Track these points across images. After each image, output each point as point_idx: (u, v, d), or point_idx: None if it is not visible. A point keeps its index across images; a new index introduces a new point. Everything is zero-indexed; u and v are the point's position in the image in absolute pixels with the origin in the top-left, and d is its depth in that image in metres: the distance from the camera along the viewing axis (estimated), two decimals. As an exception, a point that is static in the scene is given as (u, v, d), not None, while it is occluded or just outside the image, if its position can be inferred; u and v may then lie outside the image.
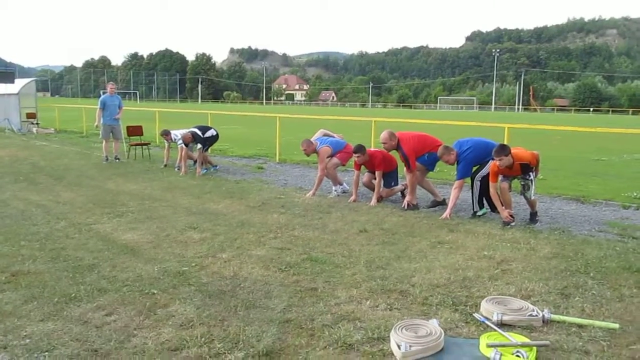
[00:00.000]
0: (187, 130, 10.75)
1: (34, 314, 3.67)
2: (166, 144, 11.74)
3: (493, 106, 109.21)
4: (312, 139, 8.59)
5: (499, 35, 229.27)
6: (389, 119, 17.52)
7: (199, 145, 10.52)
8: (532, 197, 6.63)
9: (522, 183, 6.57)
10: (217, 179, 9.89)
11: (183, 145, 10.65)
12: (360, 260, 4.98)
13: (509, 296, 3.96)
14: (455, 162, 6.96)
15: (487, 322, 3.55)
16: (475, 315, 3.68)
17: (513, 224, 6.41)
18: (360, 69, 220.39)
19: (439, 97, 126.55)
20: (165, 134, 11.56)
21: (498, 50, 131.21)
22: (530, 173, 6.50)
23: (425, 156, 7.47)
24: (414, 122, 15.90)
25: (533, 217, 6.72)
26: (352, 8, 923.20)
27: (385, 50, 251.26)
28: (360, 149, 7.79)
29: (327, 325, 3.51)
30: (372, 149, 8.08)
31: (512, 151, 6.31)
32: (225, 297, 4.01)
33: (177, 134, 11.32)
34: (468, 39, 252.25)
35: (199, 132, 10.59)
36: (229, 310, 3.76)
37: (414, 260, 4.98)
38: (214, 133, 10.91)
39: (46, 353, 3.12)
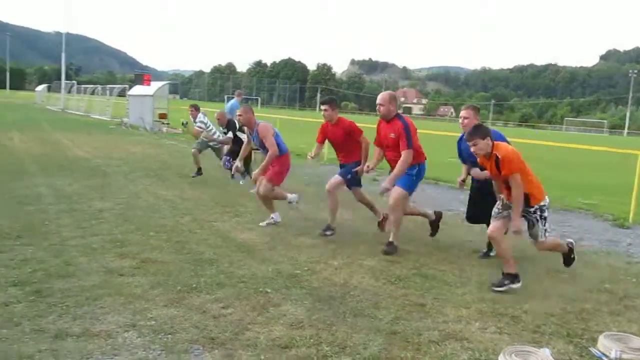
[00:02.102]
0: (229, 115, 10.40)
1: (159, 299, 3.98)
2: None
3: (626, 131, 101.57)
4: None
5: (638, 55, 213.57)
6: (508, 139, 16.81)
7: (230, 134, 9.91)
8: (545, 239, 4.93)
9: (528, 218, 4.88)
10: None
11: (202, 126, 10.34)
12: (471, 280, 4.89)
13: (631, 334, 3.72)
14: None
15: (604, 358, 3.36)
16: (592, 349, 3.50)
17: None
18: (482, 85, 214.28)
19: (565, 118, 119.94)
20: (195, 108, 10.81)
21: (635, 70, 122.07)
22: (535, 207, 4.80)
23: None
24: (537, 144, 15.22)
25: (567, 259, 5.24)
26: (476, 23, 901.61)
27: (510, 66, 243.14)
28: (330, 100, 6.65)
29: (433, 341, 3.50)
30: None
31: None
32: (335, 303, 4.11)
33: (204, 116, 10.64)
34: (602, 57, 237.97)
35: (237, 123, 9.68)
36: (338, 315, 3.86)
37: (528, 286, 4.80)
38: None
39: (169, 335, 3.39)
